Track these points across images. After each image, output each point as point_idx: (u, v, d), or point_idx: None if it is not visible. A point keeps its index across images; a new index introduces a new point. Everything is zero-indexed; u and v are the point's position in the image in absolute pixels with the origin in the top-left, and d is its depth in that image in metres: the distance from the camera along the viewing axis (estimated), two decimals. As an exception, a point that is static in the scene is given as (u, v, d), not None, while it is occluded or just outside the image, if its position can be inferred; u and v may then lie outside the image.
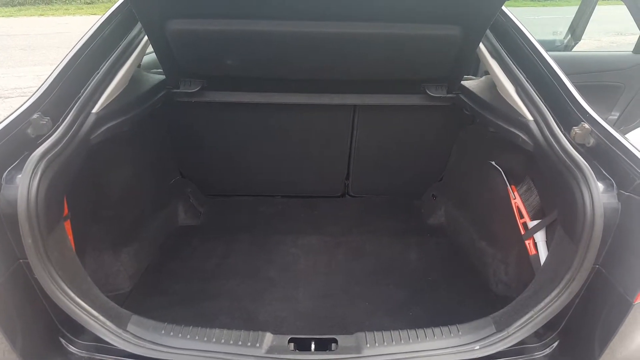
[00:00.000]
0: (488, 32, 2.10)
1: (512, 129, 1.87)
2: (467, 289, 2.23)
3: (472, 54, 2.15)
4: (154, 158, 2.51)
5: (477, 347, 1.44)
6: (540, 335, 1.56)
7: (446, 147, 2.77)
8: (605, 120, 2.88)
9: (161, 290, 2.18)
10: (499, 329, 1.48)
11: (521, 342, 1.48)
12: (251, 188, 3.00)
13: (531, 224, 1.94)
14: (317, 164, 2.89)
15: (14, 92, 7.18)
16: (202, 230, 2.71)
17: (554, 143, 1.61)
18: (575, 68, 3.43)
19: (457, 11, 1.91)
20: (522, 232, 1.98)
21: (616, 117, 3.35)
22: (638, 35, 3.28)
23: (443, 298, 2.17)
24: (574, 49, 4.28)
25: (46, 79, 1.67)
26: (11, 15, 15.77)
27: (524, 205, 2.01)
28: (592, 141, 1.55)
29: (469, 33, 1.99)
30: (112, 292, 2.07)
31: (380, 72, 2.29)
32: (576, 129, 1.57)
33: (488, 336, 1.46)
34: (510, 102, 1.93)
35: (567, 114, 1.67)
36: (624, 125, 3.38)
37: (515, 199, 2.05)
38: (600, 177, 1.45)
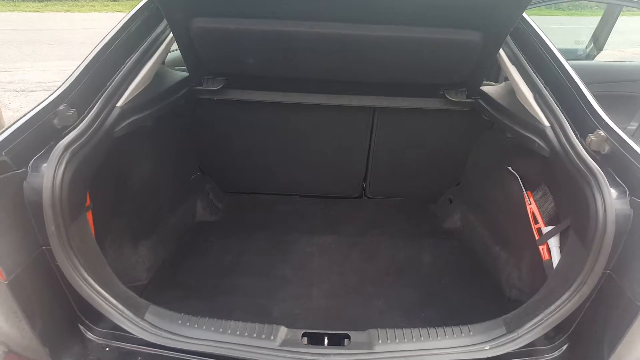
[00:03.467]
0: (508, 38, 2.12)
1: (529, 135, 1.89)
2: (480, 292, 2.23)
3: (492, 59, 2.17)
4: (174, 154, 2.56)
5: (487, 347, 1.46)
6: (550, 337, 1.58)
7: (464, 152, 2.79)
8: (622, 129, 2.86)
9: (177, 284, 2.22)
10: (510, 330, 1.50)
11: (531, 344, 1.50)
12: (269, 186, 3.04)
13: (545, 229, 1.94)
14: (335, 165, 2.91)
15: (38, 86, 7.35)
16: (219, 226, 2.75)
17: (569, 149, 1.62)
18: (596, 77, 3.42)
19: (479, 17, 1.93)
20: (537, 238, 1.98)
21: (635, 128, 3.32)
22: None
23: (455, 301, 2.18)
24: (596, 59, 4.27)
25: (73, 72, 1.71)
26: (38, 10, 16.13)
27: (539, 211, 2.02)
28: (607, 148, 1.55)
29: (489, 39, 2.01)
30: (130, 284, 2.09)
31: (400, 75, 2.32)
32: (592, 136, 1.58)
33: (498, 337, 1.48)
34: (528, 108, 1.94)
35: (584, 121, 1.68)
36: (644, 136, 3.35)
37: (530, 204, 2.06)
38: (614, 183, 1.46)
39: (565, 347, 1.56)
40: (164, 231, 2.41)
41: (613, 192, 1.43)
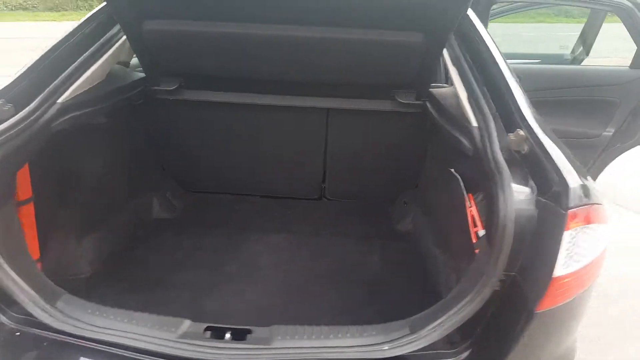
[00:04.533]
0: (453, 40, 2.11)
1: (458, 135, 1.88)
2: (420, 294, 2.20)
3: (436, 61, 2.18)
4: (131, 151, 2.58)
5: (387, 347, 1.44)
6: (452, 342, 1.54)
7: (420, 154, 2.76)
8: (597, 136, 2.82)
9: (121, 278, 2.25)
10: (413, 331, 1.47)
11: (434, 347, 1.46)
12: (230, 186, 3.06)
13: (482, 232, 1.90)
14: (293, 166, 2.93)
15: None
16: (175, 224, 2.77)
17: (487, 148, 1.59)
18: (573, 82, 3.36)
19: (420, 19, 1.95)
20: (474, 241, 1.94)
21: (611, 134, 3.24)
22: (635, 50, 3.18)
23: (395, 302, 2.16)
24: (582, 63, 4.21)
25: (17, 71, 1.77)
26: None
27: (479, 214, 1.98)
28: (526, 148, 1.52)
29: (432, 40, 2.03)
30: (73, 275, 2.15)
31: (350, 76, 2.33)
32: (511, 136, 1.55)
33: (400, 337, 1.45)
34: (462, 109, 1.92)
35: (510, 122, 1.65)
36: (620, 143, 3.26)
37: (471, 207, 2.01)
38: (525, 183, 1.43)
39: (467, 353, 1.51)
40: (114, 226, 2.44)
41: (521, 191, 1.39)
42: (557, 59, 4.68)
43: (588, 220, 1.30)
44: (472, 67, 1.99)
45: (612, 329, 2.80)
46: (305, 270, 2.37)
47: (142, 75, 2.42)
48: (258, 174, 2.97)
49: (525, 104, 1.66)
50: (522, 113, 1.61)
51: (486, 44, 1.99)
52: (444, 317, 1.43)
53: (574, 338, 1.55)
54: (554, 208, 1.30)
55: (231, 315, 2.02)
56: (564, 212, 1.26)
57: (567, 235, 1.26)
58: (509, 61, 4.66)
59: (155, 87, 2.42)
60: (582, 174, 1.39)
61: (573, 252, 1.28)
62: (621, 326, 2.85)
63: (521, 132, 1.53)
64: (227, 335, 1.48)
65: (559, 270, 1.27)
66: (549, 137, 1.52)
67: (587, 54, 4.21)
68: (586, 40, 4.19)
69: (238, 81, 2.42)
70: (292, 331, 1.48)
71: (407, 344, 1.42)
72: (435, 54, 2.11)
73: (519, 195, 1.37)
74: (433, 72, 2.29)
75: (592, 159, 3.32)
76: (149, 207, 2.80)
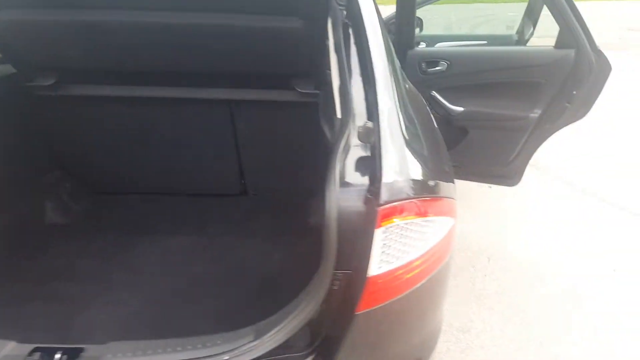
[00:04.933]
0: (339, 25, 2.01)
1: (325, 127, 1.80)
2: None
3: (322, 47, 2.07)
4: (13, 152, 2.42)
5: (226, 357, 1.36)
6: (296, 348, 1.46)
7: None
8: (524, 118, 2.71)
9: None
10: (257, 337, 1.39)
11: (276, 353, 1.39)
12: (138, 186, 2.89)
13: None
14: (206, 162, 2.79)
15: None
16: (70, 229, 2.60)
17: (336, 141, 1.51)
18: (501, 64, 3.26)
19: (295, 3, 1.88)
20: None
21: (537, 115, 3.16)
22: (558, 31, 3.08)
23: (287, 302, 2.08)
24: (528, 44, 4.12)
25: None
26: None
27: None
28: (372, 140, 1.44)
29: (311, 25, 1.95)
30: None
31: (243, 65, 2.23)
32: (360, 128, 1.47)
33: (241, 345, 1.38)
34: (334, 100, 1.84)
35: (368, 113, 1.57)
36: (549, 124, 3.19)
37: None
38: (362, 178, 1.34)
39: (310, 358, 1.43)
40: None
41: (353, 187, 1.30)
42: (504, 40, 4.59)
43: (418, 215, 1.24)
44: (354, 54, 1.90)
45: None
46: (196, 275, 2.24)
47: (13, 71, 2.26)
48: (168, 172, 2.82)
49: (386, 93, 1.57)
50: (377, 104, 1.53)
51: (365, 28, 1.90)
52: (284, 322, 1.36)
53: (420, 338, 1.49)
54: (372, 204, 1.23)
55: (93, 329, 1.89)
56: (376, 208, 1.19)
57: (379, 233, 1.19)
58: (457, 43, 4.53)
59: (29, 84, 2.26)
60: (420, 168, 1.33)
61: (391, 249, 1.21)
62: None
63: (368, 124, 1.45)
64: (57, 356, 1.37)
65: (374, 269, 1.20)
66: (395, 128, 1.43)
67: (532, 33, 4.14)
68: (529, 20, 4.11)
69: (123, 73, 2.28)
70: (128, 347, 1.39)
71: (247, 352, 1.34)
72: (319, 40, 2.01)
73: (348, 191, 1.29)
74: (322, 59, 2.20)
75: (521, 142, 3.26)
76: (40, 212, 2.60)
